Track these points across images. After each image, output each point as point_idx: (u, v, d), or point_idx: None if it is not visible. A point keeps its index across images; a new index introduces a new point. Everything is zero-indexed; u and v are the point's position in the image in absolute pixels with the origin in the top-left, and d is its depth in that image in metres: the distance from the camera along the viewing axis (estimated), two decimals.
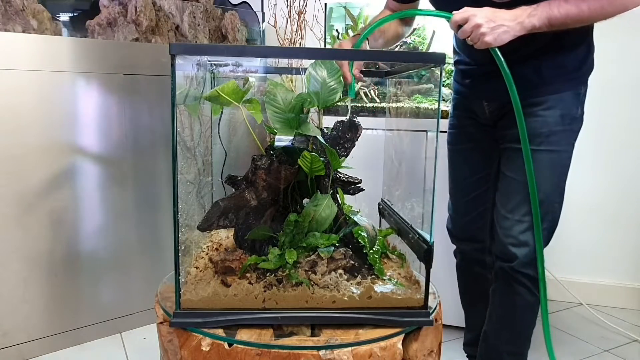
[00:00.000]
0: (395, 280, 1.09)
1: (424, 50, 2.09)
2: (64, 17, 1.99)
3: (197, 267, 1.12)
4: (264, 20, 2.59)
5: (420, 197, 1.15)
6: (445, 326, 1.62)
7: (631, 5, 1.12)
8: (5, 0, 1.73)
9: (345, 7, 2.25)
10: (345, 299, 1.00)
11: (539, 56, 1.24)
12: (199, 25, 2.27)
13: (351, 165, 1.18)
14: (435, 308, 1.05)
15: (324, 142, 1.09)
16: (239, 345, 0.93)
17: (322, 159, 1.07)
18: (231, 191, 1.16)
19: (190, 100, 1.18)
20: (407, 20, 1.48)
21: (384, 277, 1.08)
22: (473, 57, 1.36)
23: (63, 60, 1.74)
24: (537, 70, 1.25)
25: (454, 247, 1.58)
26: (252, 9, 2.59)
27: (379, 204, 1.43)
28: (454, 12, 1.11)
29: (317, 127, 1.21)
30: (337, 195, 1.17)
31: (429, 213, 1.05)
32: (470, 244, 1.52)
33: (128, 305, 1.99)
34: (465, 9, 1.11)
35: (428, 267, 1.02)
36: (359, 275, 1.06)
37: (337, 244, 1.07)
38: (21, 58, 1.65)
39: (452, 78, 1.55)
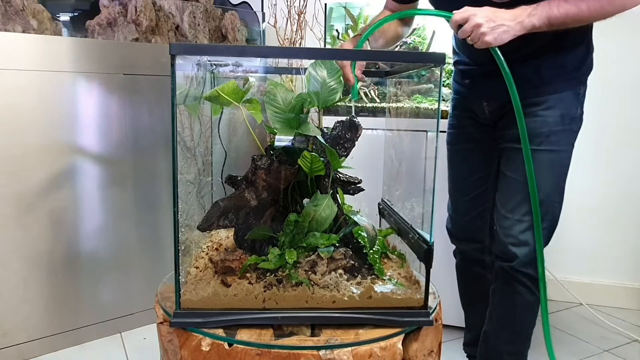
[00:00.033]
0: (395, 280, 1.09)
1: (424, 50, 2.09)
2: (64, 17, 1.99)
3: (197, 267, 1.12)
4: (264, 20, 2.59)
5: (420, 197, 1.15)
6: (445, 326, 1.62)
7: (630, 5, 1.12)
8: (5, 0, 1.73)
9: (345, 7, 2.25)
10: (345, 299, 1.00)
11: (539, 56, 1.24)
12: (199, 25, 2.27)
13: (351, 165, 1.18)
14: (435, 308, 1.05)
15: (324, 142, 1.09)
16: (239, 345, 0.93)
17: (322, 159, 1.07)
18: (231, 191, 1.16)
19: (190, 100, 1.18)
20: (406, 21, 1.48)
21: (384, 277, 1.08)
22: (472, 57, 1.36)
23: (63, 60, 1.74)
24: (537, 70, 1.25)
25: (454, 247, 1.58)
26: (252, 9, 2.59)
27: (379, 204, 1.43)
28: (454, 11, 1.12)
29: (317, 127, 1.21)
30: (337, 195, 1.17)
31: (429, 213, 1.05)
32: (470, 244, 1.52)
33: (128, 305, 1.99)
34: (466, 8, 1.11)
35: (428, 267, 1.02)
36: (359, 275, 1.06)
37: (337, 244, 1.07)
38: (21, 58, 1.65)
39: (451, 78, 1.55)
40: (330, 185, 1.14)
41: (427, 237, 1.04)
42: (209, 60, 1.23)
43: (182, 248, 1.00)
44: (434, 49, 2.09)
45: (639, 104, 2.24)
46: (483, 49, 1.10)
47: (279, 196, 1.14)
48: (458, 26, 1.11)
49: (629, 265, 2.32)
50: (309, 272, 1.03)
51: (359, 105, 2.05)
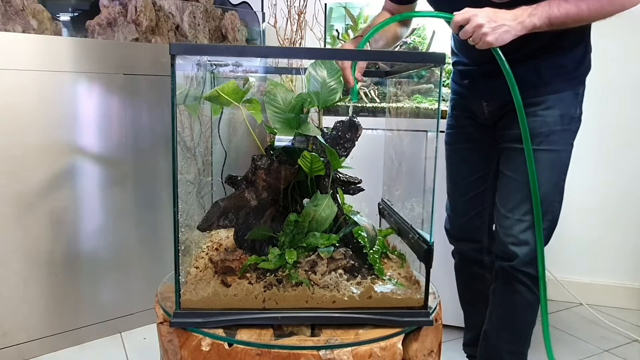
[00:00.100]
0: (395, 280, 1.09)
1: (424, 50, 2.09)
2: (64, 17, 1.99)
3: (197, 267, 1.12)
4: (264, 20, 2.59)
5: (420, 197, 1.15)
6: (445, 326, 1.62)
7: (630, 5, 1.13)
8: (5, 0, 1.73)
9: (345, 7, 2.25)
10: (345, 299, 1.00)
11: (539, 56, 1.24)
12: (199, 25, 2.27)
13: (351, 165, 1.18)
14: (435, 308, 1.05)
15: (324, 142, 1.09)
16: (239, 345, 0.93)
17: (322, 159, 1.07)
18: (231, 191, 1.16)
19: (190, 100, 1.18)
20: (405, 21, 1.48)
21: (384, 277, 1.08)
22: (472, 58, 1.36)
23: (63, 60, 1.74)
24: (537, 70, 1.25)
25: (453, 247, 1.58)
26: (252, 9, 2.59)
27: (379, 204, 1.43)
28: (454, 12, 1.12)
29: (317, 127, 1.21)
30: (337, 195, 1.17)
31: (429, 213, 1.05)
32: (469, 244, 1.52)
33: (128, 305, 1.99)
34: (466, 9, 1.11)
35: (428, 267, 1.02)
36: (359, 275, 1.06)
37: (337, 244, 1.07)
38: (21, 58, 1.65)
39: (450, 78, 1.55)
40: (330, 185, 1.14)
41: (427, 237, 1.04)
42: (209, 60, 1.23)
43: (182, 248, 1.00)
44: (433, 49, 2.09)
45: (639, 104, 2.24)
46: (483, 49, 1.11)
47: (279, 196, 1.14)
48: (459, 27, 1.11)
49: (629, 265, 2.32)
50: (309, 272, 1.03)
51: (359, 105, 2.05)
